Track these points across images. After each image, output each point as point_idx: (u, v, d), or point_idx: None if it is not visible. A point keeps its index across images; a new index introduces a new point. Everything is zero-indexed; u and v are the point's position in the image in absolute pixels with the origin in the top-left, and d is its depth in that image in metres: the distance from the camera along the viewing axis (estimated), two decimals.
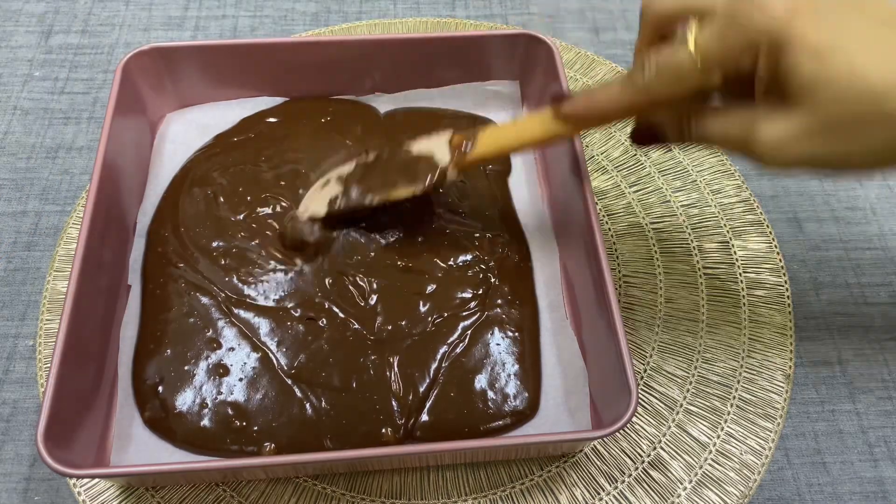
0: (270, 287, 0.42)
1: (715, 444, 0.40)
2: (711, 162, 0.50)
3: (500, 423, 0.38)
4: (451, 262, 0.43)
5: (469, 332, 0.41)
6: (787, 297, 0.45)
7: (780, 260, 0.46)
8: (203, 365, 0.39)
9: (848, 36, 0.26)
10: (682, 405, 0.41)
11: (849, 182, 0.52)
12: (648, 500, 0.39)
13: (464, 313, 0.41)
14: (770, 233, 0.47)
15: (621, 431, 0.38)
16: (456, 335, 0.40)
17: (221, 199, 0.45)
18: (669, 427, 0.41)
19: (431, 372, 0.39)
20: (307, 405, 0.38)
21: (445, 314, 0.41)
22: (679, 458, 0.40)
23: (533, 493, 0.39)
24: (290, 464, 0.34)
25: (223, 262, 0.42)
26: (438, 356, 0.40)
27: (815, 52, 0.26)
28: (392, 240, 0.43)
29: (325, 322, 0.40)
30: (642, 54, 0.32)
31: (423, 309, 0.41)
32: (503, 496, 0.39)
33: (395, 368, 0.39)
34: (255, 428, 0.37)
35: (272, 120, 0.48)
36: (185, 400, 0.38)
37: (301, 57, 0.46)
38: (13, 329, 0.45)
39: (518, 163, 0.48)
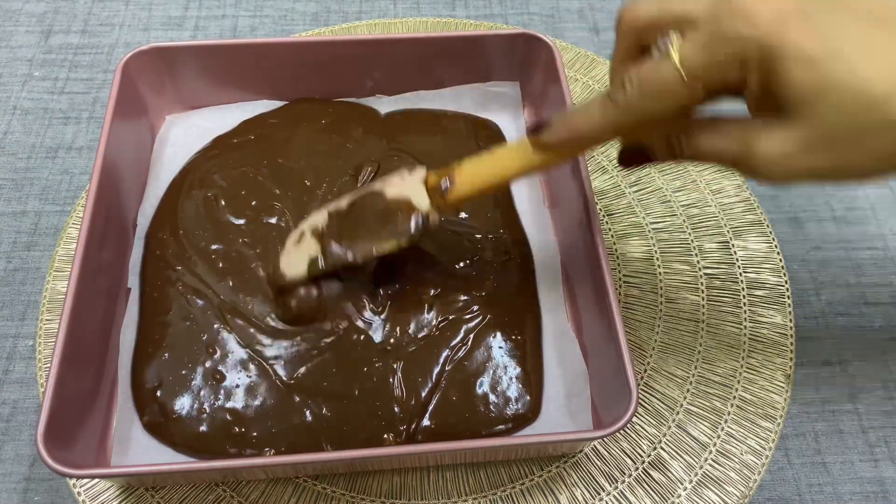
0: (268, 298, 0.41)
1: (715, 444, 0.40)
2: None
3: (502, 426, 0.38)
4: (454, 265, 0.43)
5: (472, 335, 0.40)
6: (787, 297, 0.45)
7: (780, 260, 0.46)
8: (201, 370, 0.39)
9: (841, 40, 0.25)
10: (682, 405, 0.41)
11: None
12: (649, 500, 0.39)
13: (466, 316, 0.41)
14: (770, 233, 0.47)
15: (621, 432, 0.38)
16: (459, 338, 0.40)
17: (222, 203, 0.44)
18: (669, 427, 0.41)
19: (434, 376, 0.39)
20: (307, 412, 0.38)
21: (450, 317, 0.41)
22: (679, 458, 0.40)
23: (533, 494, 0.39)
24: (289, 464, 0.34)
25: (221, 266, 0.42)
26: (441, 360, 0.40)
27: (809, 61, 0.25)
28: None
29: (328, 331, 0.40)
30: (622, 70, 0.30)
31: (427, 314, 0.41)
32: (503, 496, 0.39)
33: (399, 374, 0.39)
34: (255, 434, 0.37)
35: (272, 122, 0.48)
36: (183, 404, 0.38)
37: (301, 57, 0.46)
38: (13, 329, 0.45)
39: None
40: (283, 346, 0.40)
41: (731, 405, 0.41)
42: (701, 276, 0.46)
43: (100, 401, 0.38)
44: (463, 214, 0.45)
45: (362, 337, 0.40)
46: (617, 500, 0.39)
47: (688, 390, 0.42)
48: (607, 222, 0.48)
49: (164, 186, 0.45)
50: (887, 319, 0.46)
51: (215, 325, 0.40)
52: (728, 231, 0.47)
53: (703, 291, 0.45)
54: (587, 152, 0.32)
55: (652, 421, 0.41)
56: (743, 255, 0.47)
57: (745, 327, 0.44)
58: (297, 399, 0.38)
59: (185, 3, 0.60)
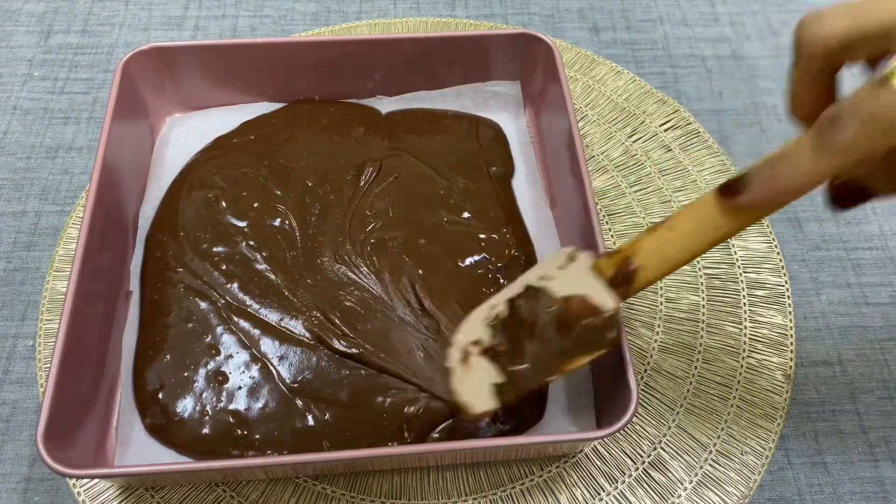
0: (272, 301, 0.41)
1: (715, 445, 0.40)
2: (712, 162, 0.50)
3: (506, 428, 0.38)
4: (459, 264, 0.43)
5: None
6: (787, 297, 0.45)
7: (781, 260, 0.46)
8: (203, 372, 0.39)
9: None
10: (682, 405, 0.41)
11: None
12: (649, 500, 0.39)
13: None
14: (770, 233, 0.47)
15: (621, 432, 0.38)
16: None
17: (223, 204, 0.44)
18: (669, 427, 0.41)
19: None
20: (309, 416, 0.38)
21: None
22: (679, 458, 0.40)
23: (533, 494, 0.39)
24: (289, 464, 0.34)
25: (224, 268, 0.42)
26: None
27: None
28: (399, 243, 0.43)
29: (332, 342, 0.40)
30: (829, 110, 0.25)
31: (430, 316, 0.41)
32: (503, 496, 0.39)
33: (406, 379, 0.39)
34: (257, 437, 0.37)
35: (273, 122, 0.48)
36: (185, 406, 0.38)
37: (301, 57, 0.46)
38: (13, 329, 0.44)
39: (520, 163, 0.48)
40: (288, 349, 0.40)
41: (731, 405, 0.41)
42: (701, 276, 0.46)
43: (100, 401, 0.38)
44: (466, 214, 0.45)
45: (366, 345, 0.40)
46: (617, 500, 0.39)
47: (688, 390, 0.42)
48: (607, 222, 0.48)
49: (164, 188, 0.45)
50: (887, 319, 0.46)
51: (218, 327, 0.40)
52: None
53: (703, 291, 0.45)
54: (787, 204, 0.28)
55: (652, 421, 0.41)
56: (743, 255, 0.47)
57: (745, 327, 0.44)
58: (300, 403, 0.38)
59: (185, 3, 0.60)
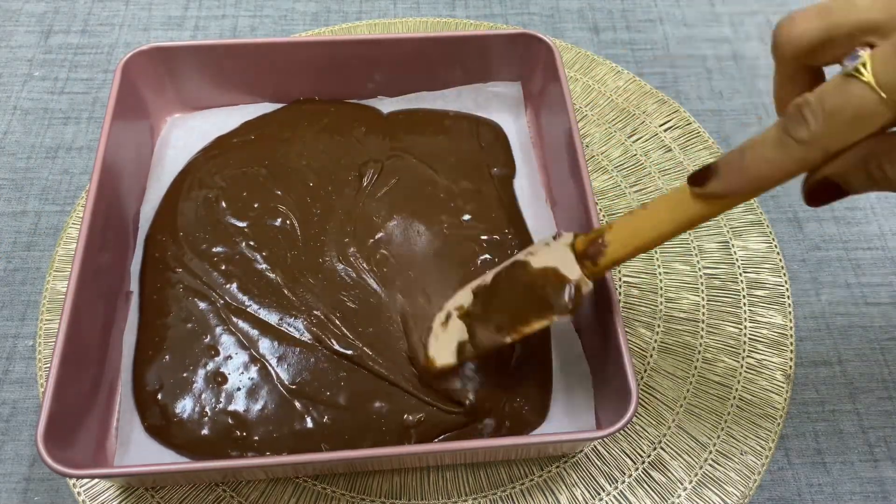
0: (272, 302, 0.41)
1: (715, 445, 0.40)
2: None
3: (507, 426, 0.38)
4: (461, 265, 0.42)
5: None
6: (787, 297, 0.45)
7: (780, 260, 0.46)
8: (202, 372, 0.39)
9: None
10: (682, 405, 0.41)
11: None
12: (649, 500, 0.39)
13: None
14: (770, 233, 0.47)
15: (621, 432, 0.38)
16: None
17: (223, 204, 0.44)
18: (669, 427, 0.41)
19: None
20: (308, 418, 0.38)
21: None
22: (679, 458, 0.40)
23: (533, 494, 0.39)
24: (289, 464, 0.34)
25: (223, 268, 0.42)
26: None
27: None
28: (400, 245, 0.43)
29: (332, 343, 0.40)
30: (796, 100, 0.25)
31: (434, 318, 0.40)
32: (503, 496, 0.39)
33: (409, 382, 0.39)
34: (256, 438, 0.37)
35: (273, 122, 0.48)
36: (185, 407, 0.38)
37: (301, 57, 0.46)
38: (13, 329, 0.45)
39: (521, 163, 0.48)
40: (287, 349, 0.39)
41: (731, 405, 0.41)
42: (701, 276, 0.46)
43: (100, 401, 0.38)
44: (467, 216, 0.44)
45: (368, 350, 0.39)
46: (617, 500, 0.39)
47: (688, 390, 0.42)
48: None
49: (165, 188, 0.45)
50: (887, 319, 0.46)
51: (217, 328, 0.40)
52: (728, 231, 0.47)
53: (703, 291, 0.45)
54: (757, 195, 0.29)
55: (652, 421, 0.41)
56: (743, 255, 0.47)
57: (745, 327, 0.44)
58: (299, 405, 0.38)
59: (185, 3, 0.60)
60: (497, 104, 0.50)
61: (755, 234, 0.47)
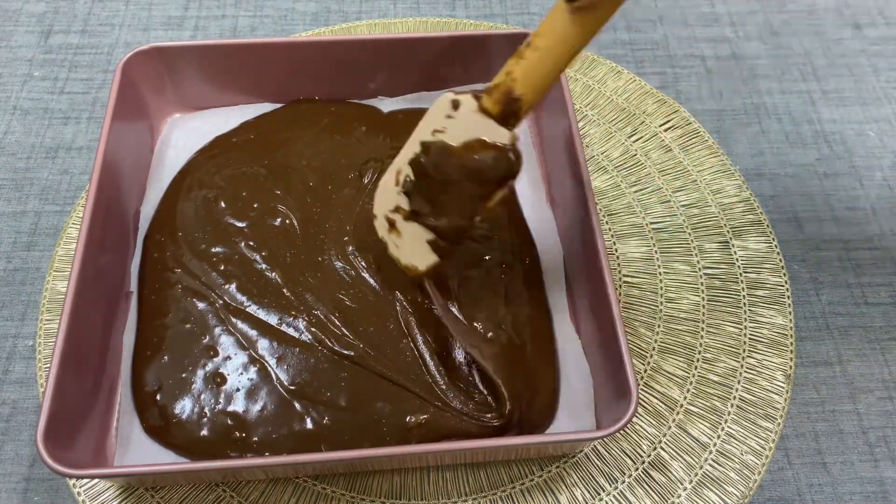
0: (271, 302, 0.41)
1: (715, 445, 0.40)
2: (712, 162, 0.50)
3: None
4: (463, 268, 0.42)
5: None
6: (787, 297, 0.45)
7: (780, 260, 0.46)
8: (201, 373, 0.39)
9: None
10: (682, 405, 0.41)
11: (849, 182, 0.52)
12: (648, 500, 0.39)
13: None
14: (770, 233, 0.47)
15: (621, 432, 0.38)
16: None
17: (222, 204, 0.44)
18: (669, 427, 0.41)
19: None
20: (307, 419, 0.37)
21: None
22: (679, 458, 0.40)
23: (533, 494, 0.39)
24: (289, 464, 0.34)
25: (222, 268, 0.42)
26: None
27: None
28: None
29: (332, 343, 0.40)
30: None
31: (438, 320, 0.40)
32: (503, 496, 0.39)
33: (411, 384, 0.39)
34: (255, 439, 0.37)
35: (273, 121, 0.48)
36: (184, 408, 0.38)
37: (301, 57, 0.46)
38: (13, 329, 0.45)
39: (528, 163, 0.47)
40: (287, 350, 0.39)
41: (731, 405, 0.41)
42: (701, 276, 0.46)
43: (100, 401, 0.38)
44: None
45: (369, 351, 0.39)
46: (617, 500, 0.39)
47: (688, 390, 0.42)
48: (607, 222, 0.48)
49: (165, 188, 0.45)
50: (887, 319, 0.46)
51: (216, 328, 0.40)
52: (728, 231, 0.47)
53: (703, 291, 0.45)
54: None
55: (652, 421, 0.41)
56: (743, 255, 0.47)
57: (745, 327, 0.44)
58: (299, 406, 0.38)
59: (185, 3, 0.60)
60: None
61: (755, 234, 0.47)
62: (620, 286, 0.45)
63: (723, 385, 0.42)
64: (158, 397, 0.38)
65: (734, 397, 0.42)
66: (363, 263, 0.42)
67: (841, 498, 0.41)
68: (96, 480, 0.38)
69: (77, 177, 0.51)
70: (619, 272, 0.46)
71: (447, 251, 0.37)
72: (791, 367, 0.43)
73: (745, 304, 0.45)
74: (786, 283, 0.46)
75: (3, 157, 0.51)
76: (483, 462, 0.39)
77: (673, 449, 0.40)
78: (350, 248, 0.43)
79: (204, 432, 0.37)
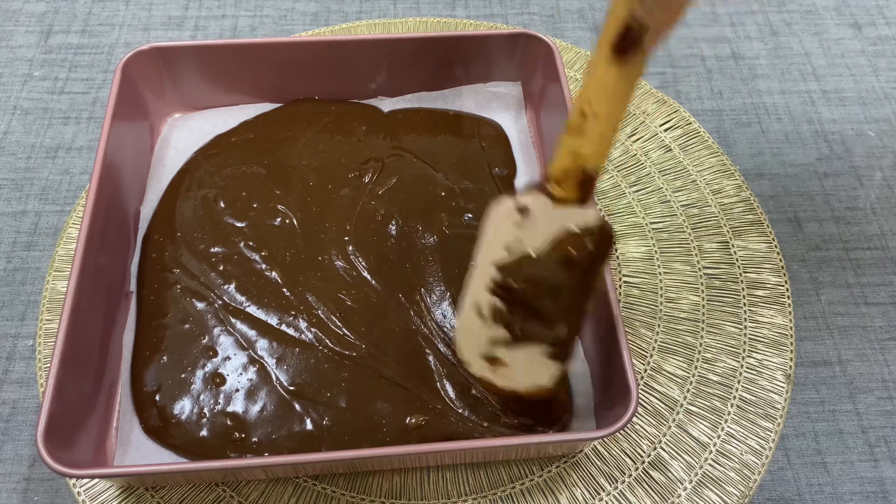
0: (271, 302, 0.41)
1: (715, 444, 0.40)
2: (711, 162, 0.50)
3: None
4: (463, 265, 0.42)
5: None
6: (787, 297, 0.45)
7: (780, 260, 0.46)
8: (200, 374, 0.39)
9: None
10: (682, 405, 0.41)
11: (849, 182, 0.52)
12: (648, 500, 0.39)
13: None
14: (770, 233, 0.47)
15: (621, 431, 0.38)
16: None
17: (222, 204, 0.44)
18: (669, 427, 0.41)
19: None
20: (307, 420, 0.37)
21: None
22: (679, 458, 0.40)
23: (533, 493, 0.39)
24: (290, 464, 0.34)
25: (221, 268, 0.42)
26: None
27: None
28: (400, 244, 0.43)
29: (332, 343, 0.39)
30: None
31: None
32: (503, 496, 0.39)
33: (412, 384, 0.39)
34: (255, 440, 0.37)
35: (273, 121, 0.48)
36: (182, 409, 0.38)
37: (301, 57, 0.46)
38: (13, 329, 0.44)
39: (521, 163, 0.47)
40: (286, 350, 0.39)
41: (731, 405, 0.41)
42: (701, 276, 0.46)
43: (100, 401, 0.38)
44: (468, 215, 0.44)
45: (369, 350, 0.39)
46: (617, 500, 0.39)
47: (688, 390, 0.42)
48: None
49: (164, 188, 0.45)
50: (887, 319, 0.46)
51: (215, 328, 0.40)
52: (728, 231, 0.47)
53: (703, 291, 0.45)
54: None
55: (652, 421, 0.41)
56: (743, 255, 0.47)
57: (745, 327, 0.44)
58: (298, 406, 0.38)
59: (185, 3, 0.60)
60: (497, 104, 0.50)
61: (755, 234, 0.47)
62: (620, 286, 0.45)
63: (723, 385, 0.42)
64: (157, 398, 0.38)
65: (734, 397, 0.42)
66: (364, 263, 0.42)
67: (841, 498, 0.41)
68: (96, 480, 0.38)
69: (77, 177, 0.51)
70: (619, 272, 0.46)
71: (567, 352, 0.34)
72: (791, 367, 0.43)
73: (744, 303, 0.45)
74: (786, 282, 0.46)
75: (4, 157, 0.51)
76: (483, 462, 0.39)
77: (673, 449, 0.40)
78: (350, 247, 0.43)
79: (203, 433, 0.37)
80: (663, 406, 0.41)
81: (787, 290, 0.45)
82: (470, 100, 0.49)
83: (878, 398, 0.44)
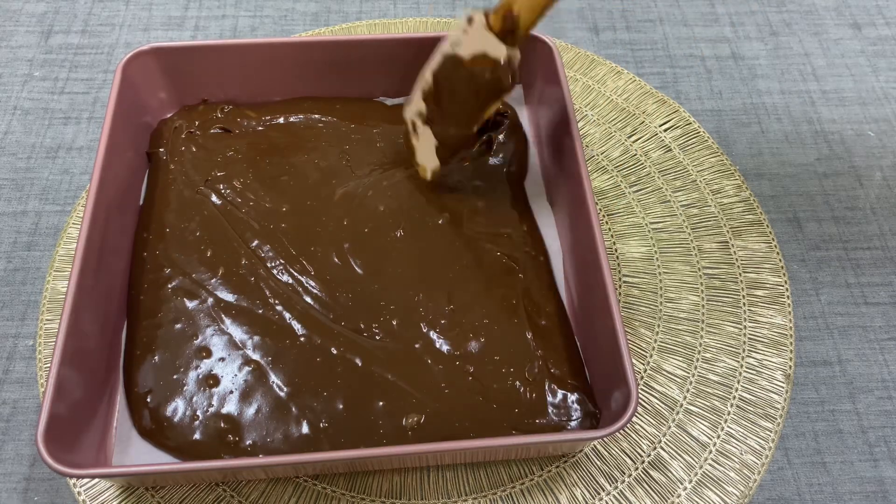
0: (266, 301, 0.40)
1: (715, 444, 0.40)
2: (711, 162, 0.50)
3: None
4: (470, 263, 0.42)
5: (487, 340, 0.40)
6: (787, 296, 0.45)
7: (780, 260, 0.46)
8: (193, 375, 0.38)
9: None
10: (682, 405, 0.41)
11: (849, 182, 0.52)
12: (648, 500, 0.39)
13: (485, 321, 0.40)
14: (770, 233, 0.47)
15: (621, 431, 0.38)
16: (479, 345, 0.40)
17: (216, 201, 0.44)
18: (669, 427, 0.41)
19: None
20: (303, 422, 0.37)
21: (470, 324, 0.40)
22: (679, 458, 0.40)
23: (533, 493, 0.39)
24: (290, 464, 0.34)
25: (214, 266, 0.41)
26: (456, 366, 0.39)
27: None
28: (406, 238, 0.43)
29: (328, 341, 0.39)
30: None
31: (444, 320, 0.40)
32: (503, 496, 0.39)
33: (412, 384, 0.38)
34: (250, 442, 0.36)
35: (272, 118, 0.48)
36: (175, 411, 0.37)
37: (302, 56, 0.46)
38: (13, 329, 0.45)
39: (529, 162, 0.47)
40: (282, 349, 0.39)
41: (731, 405, 0.41)
42: (701, 276, 0.46)
43: (100, 401, 0.38)
44: (476, 213, 0.44)
45: (368, 344, 0.39)
46: (617, 499, 0.39)
47: (688, 390, 0.42)
48: (607, 222, 0.48)
49: (159, 186, 0.45)
50: (887, 319, 0.46)
51: (208, 328, 0.39)
52: (728, 231, 0.47)
53: (702, 291, 0.45)
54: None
55: (652, 421, 0.41)
56: (743, 255, 0.47)
57: (745, 327, 0.44)
58: (294, 408, 0.37)
59: (185, 3, 0.60)
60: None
61: (755, 234, 0.47)
62: (620, 286, 0.45)
63: (723, 385, 0.42)
64: (149, 399, 0.37)
65: (734, 397, 0.42)
66: (360, 262, 0.42)
67: (841, 498, 0.41)
68: (97, 480, 0.38)
69: (77, 177, 0.51)
70: (619, 272, 0.46)
71: (444, 157, 0.42)
72: (791, 367, 0.43)
73: (744, 303, 0.45)
74: (785, 282, 0.46)
75: (4, 157, 0.51)
76: (483, 462, 0.39)
77: (673, 449, 0.40)
78: (346, 244, 0.42)
79: (197, 436, 0.36)
80: (663, 406, 0.41)
81: (787, 290, 0.45)
82: None
83: (877, 398, 0.44)
